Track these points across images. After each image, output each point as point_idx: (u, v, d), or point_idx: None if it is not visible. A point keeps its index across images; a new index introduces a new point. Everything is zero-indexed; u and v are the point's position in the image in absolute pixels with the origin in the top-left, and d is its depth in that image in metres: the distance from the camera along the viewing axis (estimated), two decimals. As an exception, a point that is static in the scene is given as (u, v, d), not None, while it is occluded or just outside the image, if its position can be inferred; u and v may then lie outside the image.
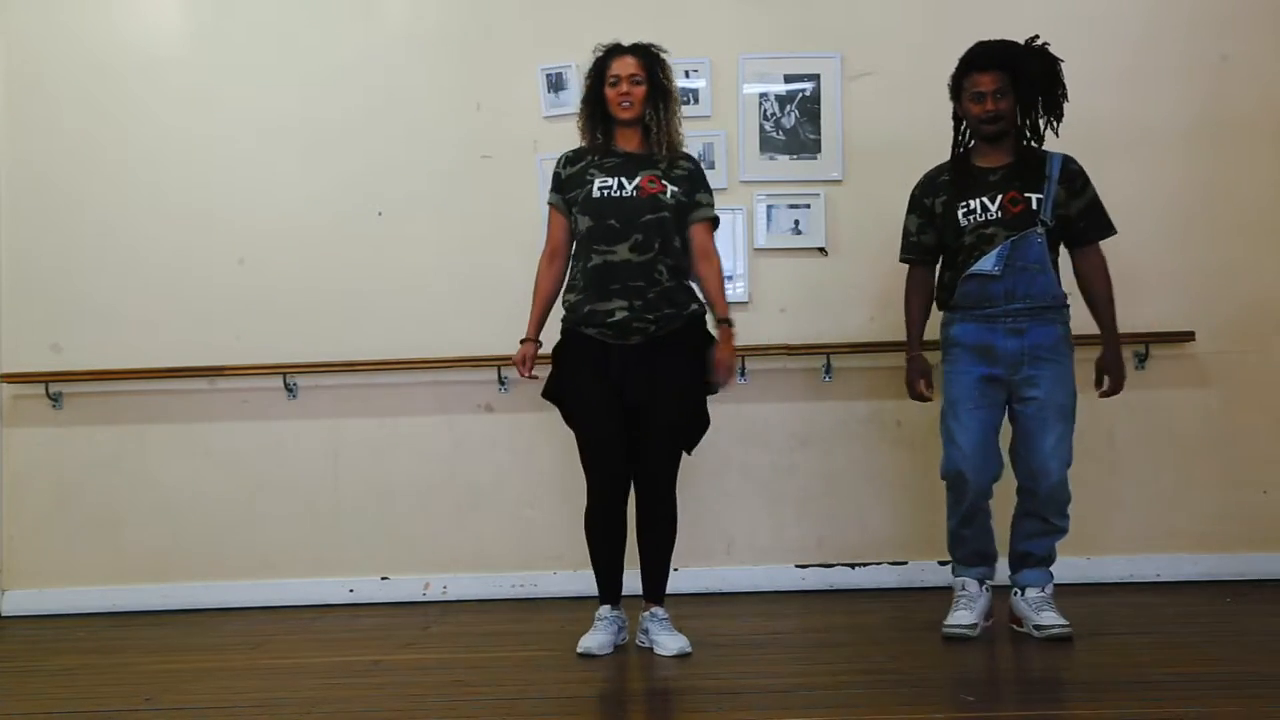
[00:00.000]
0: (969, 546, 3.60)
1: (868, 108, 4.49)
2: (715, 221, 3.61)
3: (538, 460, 4.47)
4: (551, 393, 3.57)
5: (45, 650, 3.98)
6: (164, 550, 4.56)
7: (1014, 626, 3.60)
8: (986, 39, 3.56)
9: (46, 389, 4.57)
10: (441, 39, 4.63)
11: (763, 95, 4.52)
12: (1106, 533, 4.41)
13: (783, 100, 4.52)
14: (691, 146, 4.45)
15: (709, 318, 3.57)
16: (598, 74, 3.55)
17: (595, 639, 3.47)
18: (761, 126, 4.52)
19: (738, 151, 4.51)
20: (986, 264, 3.45)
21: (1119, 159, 4.46)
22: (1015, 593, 3.59)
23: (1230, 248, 4.45)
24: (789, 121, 4.52)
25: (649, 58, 3.54)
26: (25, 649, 4.05)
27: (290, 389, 4.57)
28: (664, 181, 3.49)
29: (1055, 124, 3.55)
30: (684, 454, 3.54)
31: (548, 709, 3.03)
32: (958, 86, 3.57)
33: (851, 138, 4.50)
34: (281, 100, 4.61)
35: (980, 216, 3.48)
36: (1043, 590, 3.55)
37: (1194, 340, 4.39)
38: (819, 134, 4.50)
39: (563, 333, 3.55)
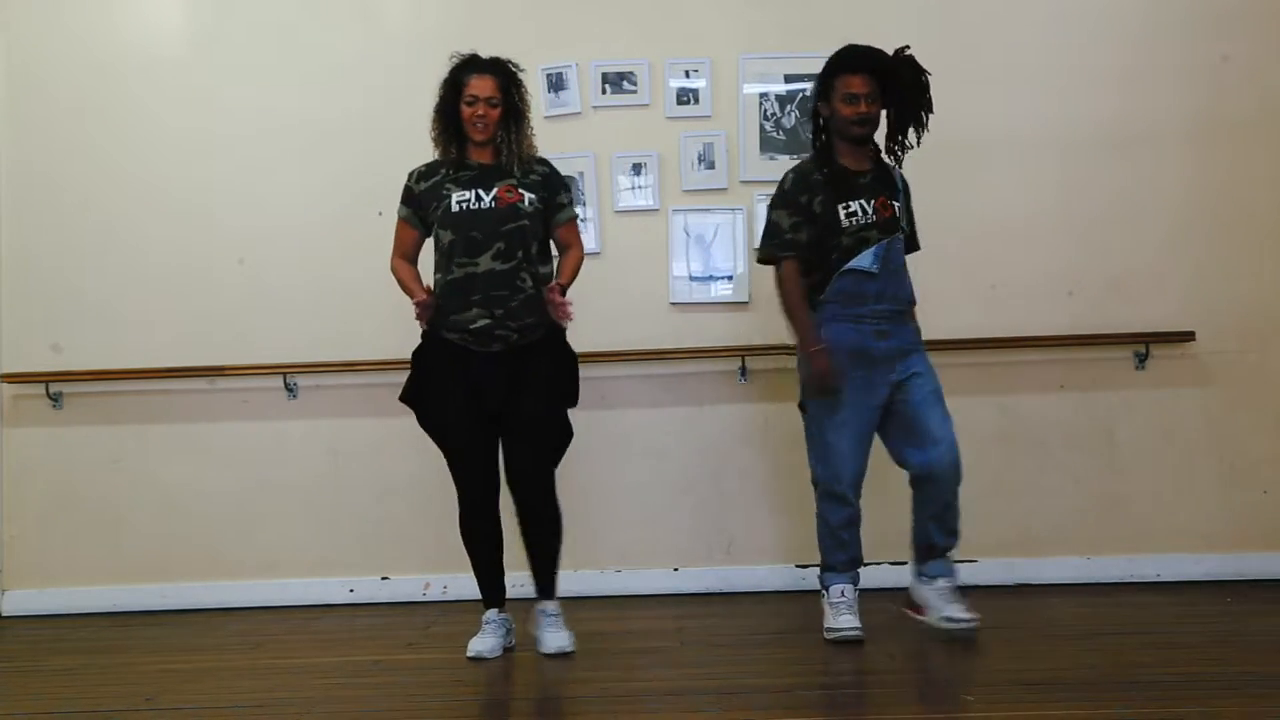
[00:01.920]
0: (849, 552, 3.62)
1: (868, 108, 4.48)
2: (574, 219, 3.67)
3: (538, 460, 4.47)
4: (409, 395, 3.60)
5: (45, 650, 3.99)
6: (164, 550, 4.56)
7: (910, 613, 3.62)
8: (856, 43, 3.59)
9: (46, 389, 4.57)
10: (441, 39, 4.61)
11: (763, 95, 4.52)
12: (1106, 533, 4.41)
13: (783, 100, 4.52)
14: (691, 146, 4.50)
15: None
16: (454, 86, 3.54)
17: (485, 642, 3.51)
18: (762, 126, 4.52)
19: (738, 151, 4.51)
20: (864, 261, 3.50)
21: (1119, 159, 4.47)
22: (923, 580, 3.60)
23: (1230, 248, 4.45)
24: (789, 121, 4.52)
25: (506, 77, 3.54)
26: (25, 649, 4.05)
27: (290, 389, 4.57)
28: (520, 190, 3.51)
29: (919, 135, 3.58)
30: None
31: (547, 709, 3.03)
32: (826, 86, 3.57)
33: (851, 138, 4.50)
34: (281, 100, 4.61)
35: (861, 219, 3.52)
36: (950, 581, 3.57)
37: (1194, 340, 4.39)
38: (819, 134, 4.50)
39: (423, 336, 3.58)
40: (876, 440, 3.62)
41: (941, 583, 3.57)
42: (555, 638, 3.50)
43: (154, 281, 4.60)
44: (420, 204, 3.58)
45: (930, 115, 3.57)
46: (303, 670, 3.51)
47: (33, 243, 4.64)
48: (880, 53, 3.54)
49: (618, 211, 4.54)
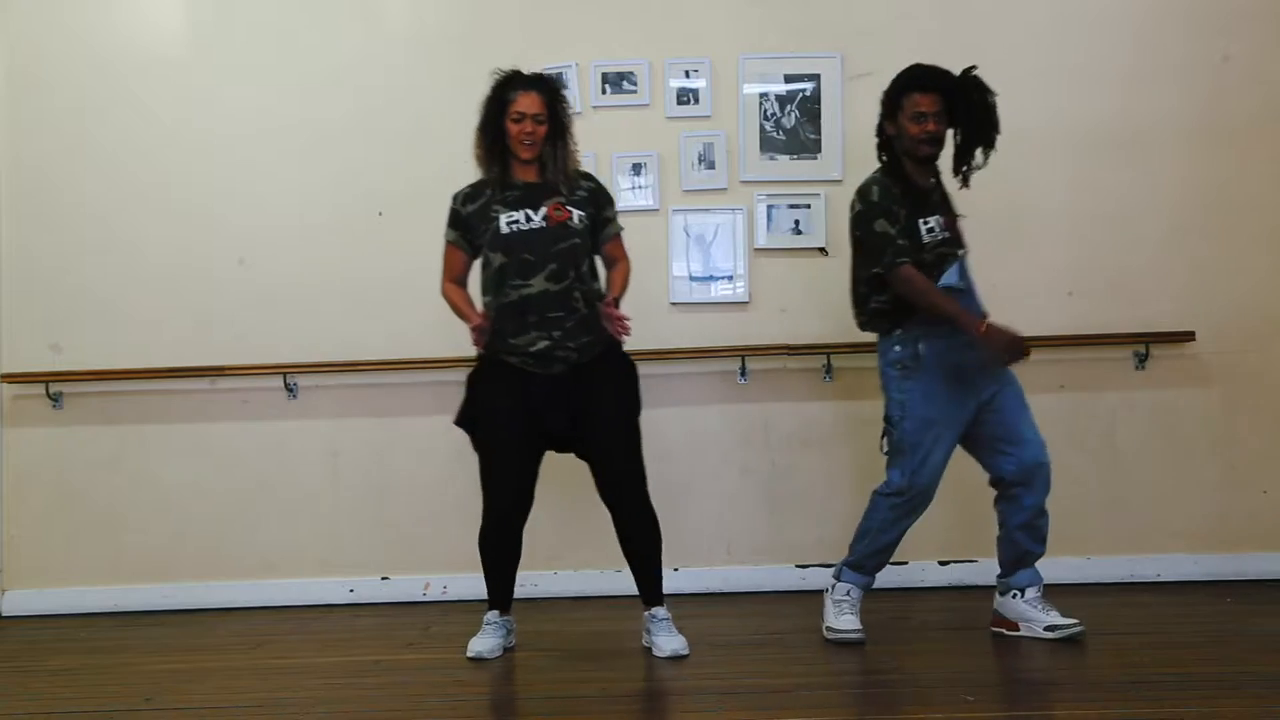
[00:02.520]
0: (884, 558, 3.59)
1: (868, 108, 4.44)
2: (620, 232, 3.65)
3: (538, 460, 4.47)
4: (465, 419, 3.55)
5: (45, 650, 3.98)
6: (165, 550, 4.56)
7: (1003, 631, 3.58)
8: (924, 63, 3.55)
9: (46, 389, 4.57)
10: (441, 39, 4.63)
11: (763, 95, 4.52)
12: (1106, 533, 4.41)
13: (783, 100, 4.52)
14: (691, 146, 4.50)
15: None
16: (499, 104, 3.50)
17: (485, 643, 3.52)
18: (762, 126, 4.52)
19: (738, 151, 4.51)
20: (953, 277, 3.48)
21: (1119, 159, 4.47)
22: (1013, 595, 3.57)
23: (1230, 248, 4.45)
24: (789, 121, 4.52)
25: (551, 94, 3.52)
26: (25, 649, 4.05)
27: (290, 389, 4.57)
28: (569, 208, 3.48)
29: (986, 154, 3.54)
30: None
31: (548, 709, 3.03)
32: (895, 104, 3.55)
33: (851, 138, 4.49)
34: (281, 100, 4.61)
35: (939, 234, 3.51)
36: (1039, 590, 3.55)
37: (1194, 340, 4.39)
38: (819, 134, 4.50)
39: (479, 359, 3.54)
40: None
41: (1032, 592, 3.54)
42: (670, 641, 3.44)
43: (154, 281, 4.60)
44: (468, 226, 3.54)
45: (998, 135, 3.52)
46: (303, 670, 3.51)
47: (33, 243, 4.64)
48: (948, 72, 3.51)
49: (618, 211, 4.52)
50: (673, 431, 4.50)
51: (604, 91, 4.54)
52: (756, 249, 4.51)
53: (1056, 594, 3.61)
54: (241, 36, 4.63)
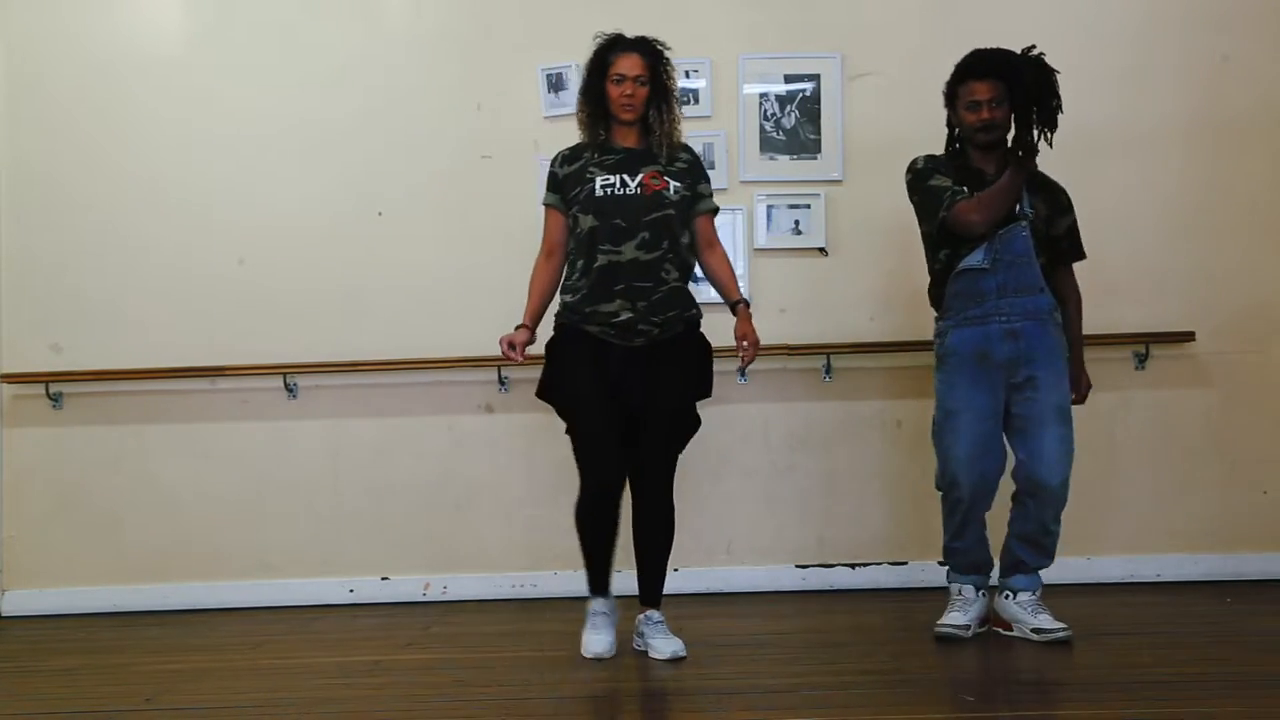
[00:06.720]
0: (965, 558, 3.59)
1: (868, 108, 4.49)
2: (715, 211, 3.59)
3: (537, 460, 4.47)
4: (545, 391, 3.48)
5: (45, 650, 3.98)
6: (164, 550, 4.56)
7: (999, 630, 3.59)
8: (983, 47, 3.51)
9: (46, 389, 4.57)
10: (441, 39, 4.63)
11: (763, 95, 4.52)
12: (1106, 533, 4.41)
13: (783, 100, 4.52)
14: (691, 146, 4.49)
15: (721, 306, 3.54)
16: (600, 67, 3.46)
17: (602, 641, 3.38)
18: (762, 126, 4.52)
19: (738, 151, 4.51)
20: (974, 258, 3.45)
21: (1118, 159, 4.47)
22: (1005, 595, 3.57)
23: (1230, 248, 4.45)
24: (789, 121, 4.52)
25: (653, 56, 3.48)
26: (25, 649, 4.05)
27: (290, 389, 4.57)
28: (666, 178, 3.43)
29: (1049, 135, 3.43)
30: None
31: (548, 709, 3.03)
32: (953, 94, 3.54)
33: (851, 138, 4.50)
34: (281, 100, 4.61)
35: None
36: (1034, 594, 3.55)
37: (1194, 340, 4.39)
38: (819, 134, 4.50)
39: (558, 328, 3.47)
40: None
41: (1024, 596, 3.53)
42: (668, 643, 3.38)
43: (154, 281, 4.60)
44: (564, 188, 3.48)
45: (1061, 114, 3.37)
46: (303, 670, 3.51)
47: (33, 243, 4.64)
48: (1005, 54, 3.43)
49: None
50: (673, 431, 4.50)
51: (604, 91, 4.53)
52: (756, 249, 4.51)
53: (1056, 594, 3.61)
54: (241, 36, 4.64)
